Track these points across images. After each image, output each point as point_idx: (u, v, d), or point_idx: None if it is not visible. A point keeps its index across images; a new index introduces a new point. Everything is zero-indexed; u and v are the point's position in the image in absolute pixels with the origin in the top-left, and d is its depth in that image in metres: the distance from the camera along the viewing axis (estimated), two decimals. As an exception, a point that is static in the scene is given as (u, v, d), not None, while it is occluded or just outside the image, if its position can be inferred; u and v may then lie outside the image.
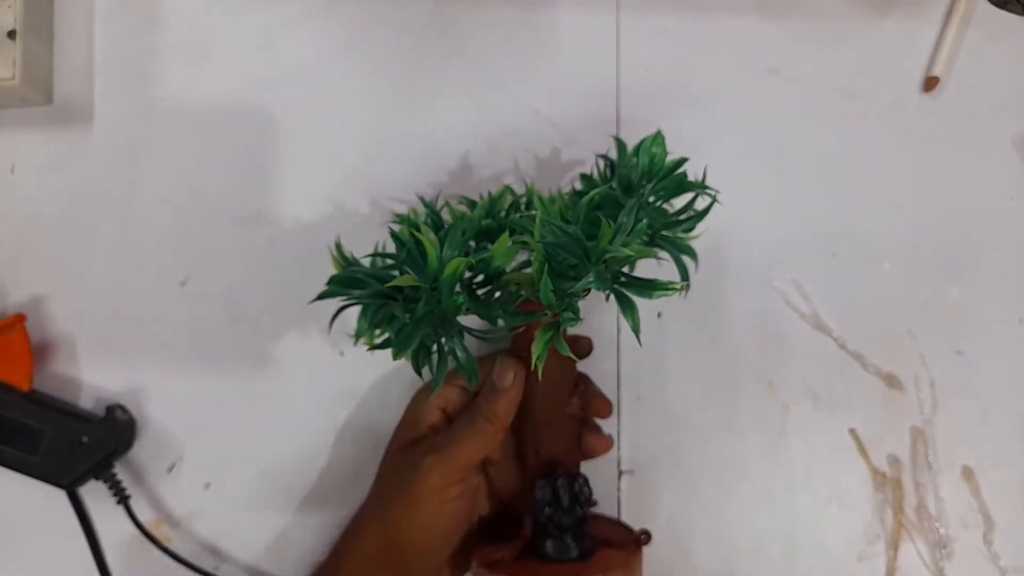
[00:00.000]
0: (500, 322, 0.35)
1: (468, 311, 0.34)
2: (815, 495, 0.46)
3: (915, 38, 0.49)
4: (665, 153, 0.38)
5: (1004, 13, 0.49)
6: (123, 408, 0.45)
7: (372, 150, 0.48)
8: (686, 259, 0.38)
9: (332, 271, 0.38)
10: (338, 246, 0.39)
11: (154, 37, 0.48)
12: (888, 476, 0.45)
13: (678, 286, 0.34)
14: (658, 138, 0.38)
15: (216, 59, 0.48)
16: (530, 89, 0.48)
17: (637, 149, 0.39)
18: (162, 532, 0.44)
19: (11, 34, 0.45)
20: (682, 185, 0.38)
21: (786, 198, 0.48)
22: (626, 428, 0.46)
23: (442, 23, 0.49)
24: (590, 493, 0.39)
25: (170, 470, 0.45)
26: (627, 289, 0.34)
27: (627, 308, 0.34)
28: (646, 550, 0.39)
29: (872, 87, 0.49)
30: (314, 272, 0.39)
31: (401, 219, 0.41)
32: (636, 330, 0.34)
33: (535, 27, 0.49)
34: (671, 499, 0.46)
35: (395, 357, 0.35)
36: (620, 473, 0.46)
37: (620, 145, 0.41)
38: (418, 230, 0.35)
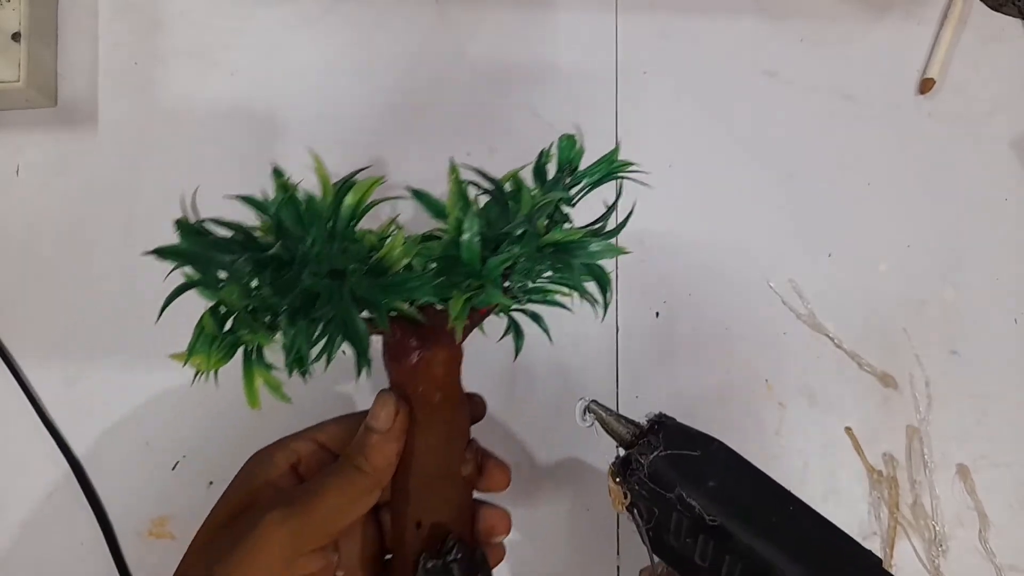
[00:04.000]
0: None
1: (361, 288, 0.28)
2: (811, 493, 0.46)
3: (911, 40, 0.50)
4: (582, 150, 0.35)
5: (999, 15, 0.49)
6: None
7: (374, 152, 0.48)
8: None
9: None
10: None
11: (158, 39, 0.49)
12: (884, 474, 0.46)
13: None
14: (572, 138, 0.35)
15: (219, 61, 0.49)
16: (530, 90, 0.49)
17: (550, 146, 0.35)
18: (166, 529, 0.45)
19: (16, 36, 0.45)
20: (612, 164, 0.35)
21: (783, 198, 0.48)
22: (625, 427, 0.46)
23: (443, 25, 0.49)
24: (489, 573, 0.31)
25: (174, 468, 0.46)
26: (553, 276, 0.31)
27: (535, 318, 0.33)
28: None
29: (868, 89, 0.49)
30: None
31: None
32: (546, 329, 0.33)
33: (535, 28, 0.50)
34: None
35: (291, 354, 0.29)
36: (619, 471, 0.46)
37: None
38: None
